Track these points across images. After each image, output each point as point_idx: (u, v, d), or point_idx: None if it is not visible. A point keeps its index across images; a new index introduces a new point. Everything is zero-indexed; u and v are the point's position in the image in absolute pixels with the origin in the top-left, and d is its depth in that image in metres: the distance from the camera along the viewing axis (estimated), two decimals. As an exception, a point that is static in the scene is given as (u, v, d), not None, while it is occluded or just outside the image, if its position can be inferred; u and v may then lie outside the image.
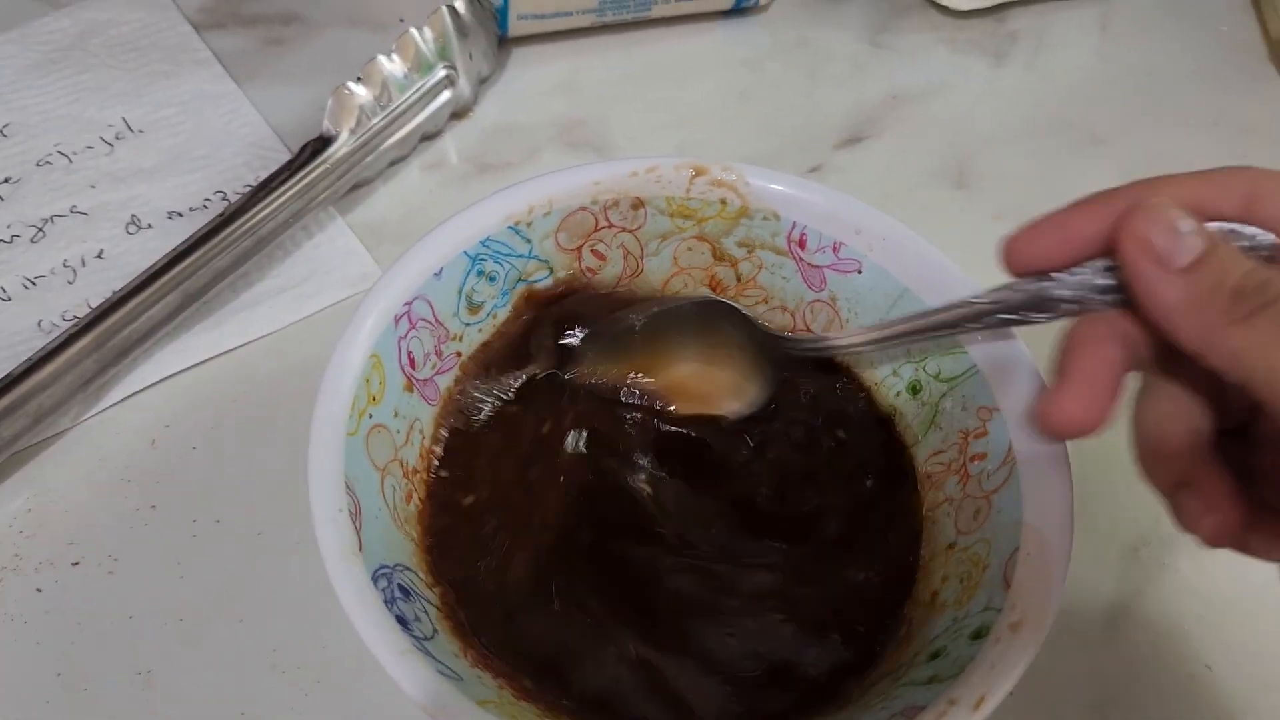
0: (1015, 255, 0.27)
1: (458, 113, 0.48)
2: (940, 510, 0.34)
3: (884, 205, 0.46)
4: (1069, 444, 0.30)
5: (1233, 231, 0.25)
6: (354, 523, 0.28)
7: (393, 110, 0.44)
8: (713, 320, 0.36)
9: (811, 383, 0.36)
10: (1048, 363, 0.29)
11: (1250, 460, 0.27)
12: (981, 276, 0.38)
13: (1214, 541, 0.26)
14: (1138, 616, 0.37)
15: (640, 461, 0.35)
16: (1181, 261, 0.24)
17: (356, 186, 0.45)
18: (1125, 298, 0.25)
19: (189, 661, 0.34)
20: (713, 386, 0.36)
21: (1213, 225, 0.25)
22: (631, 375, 0.36)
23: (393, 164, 0.46)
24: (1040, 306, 0.27)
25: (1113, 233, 0.25)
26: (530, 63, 0.52)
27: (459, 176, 0.47)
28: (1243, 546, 0.26)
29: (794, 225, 0.36)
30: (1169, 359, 0.25)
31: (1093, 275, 0.26)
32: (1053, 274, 0.27)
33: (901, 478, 0.35)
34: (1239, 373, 0.23)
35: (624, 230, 0.37)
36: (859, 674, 0.31)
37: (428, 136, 0.47)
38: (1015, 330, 0.33)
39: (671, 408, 0.36)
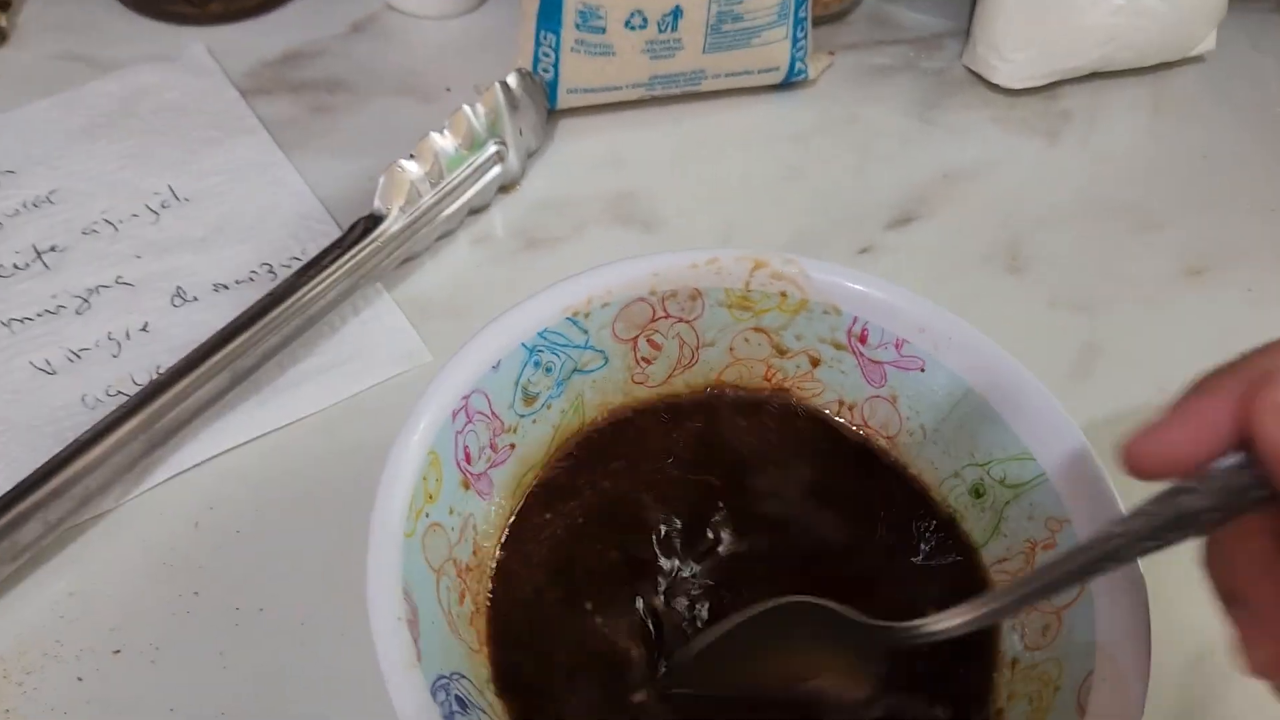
0: (1141, 463, 0.24)
1: (505, 186, 0.48)
2: (1006, 625, 0.33)
3: (935, 288, 0.46)
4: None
5: None
6: (412, 631, 0.28)
7: (444, 187, 0.44)
8: (799, 623, 0.30)
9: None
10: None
11: None
12: (1034, 364, 0.36)
13: (1258, 672, 0.23)
14: (1202, 730, 0.36)
15: None
16: None
17: (404, 262, 0.45)
18: (1272, 491, 0.22)
19: (231, 758, 0.33)
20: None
21: None
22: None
23: (440, 238, 0.46)
24: (1181, 524, 0.23)
25: (1242, 418, 0.22)
26: (578, 135, 0.51)
27: (507, 251, 0.47)
28: None
29: (855, 320, 0.36)
30: None
31: (1231, 473, 0.22)
32: (1187, 483, 0.23)
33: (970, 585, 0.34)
34: None
35: (681, 321, 0.36)
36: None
37: (475, 210, 0.47)
38: (1086, 438, 0.32)
39: None
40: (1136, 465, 0.24)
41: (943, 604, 0.33)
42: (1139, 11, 0.52)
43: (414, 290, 0.45)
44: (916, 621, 0.29)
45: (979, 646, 0.32)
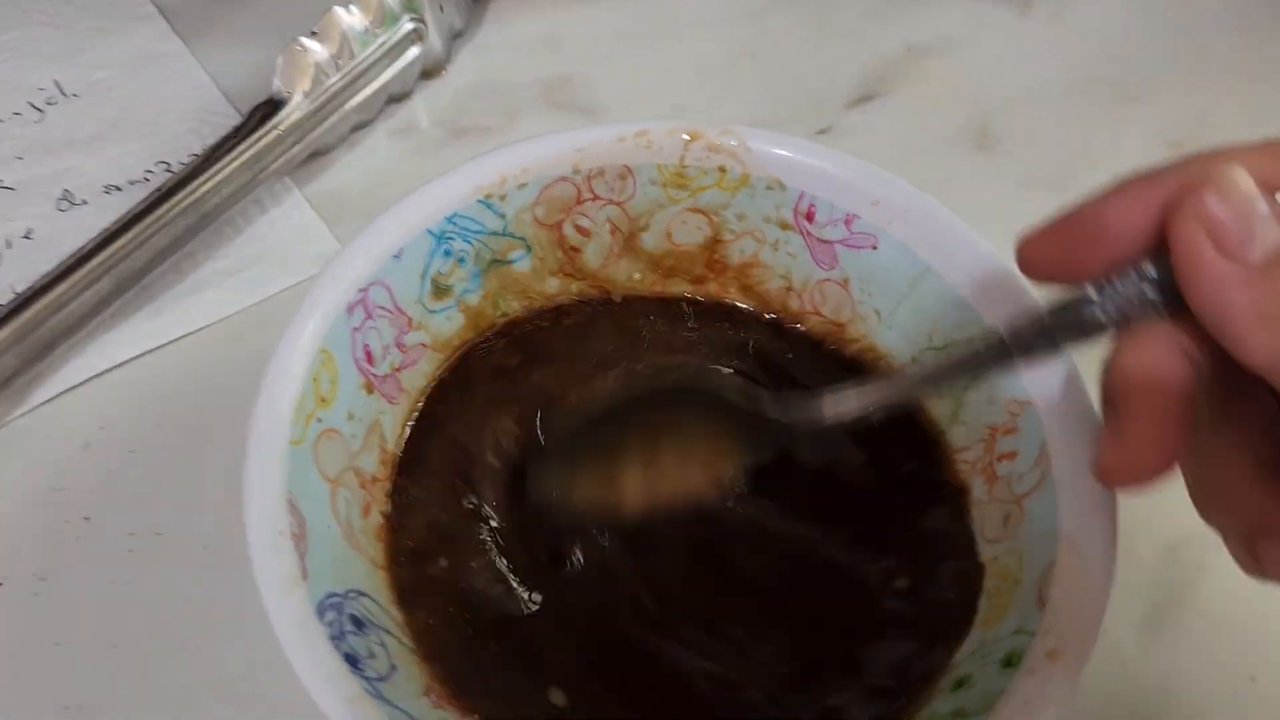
0: (1036, 262, 0.23)
1: (428, 71, 0.44)
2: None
3: (900, 170, 0.42)
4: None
5: None
6: (297, 547, 0.25)
7: (353, 69, 0.40)
8: (690, 393, 0.30)
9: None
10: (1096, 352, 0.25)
11: None
12: (1005, 247, 0.34)
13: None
14: (1175, 623, 0.33)
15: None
16: (1258, 255, 0.19)
17: (315, 155, 0.41)
18: (1180, 301, 0.20)
19: (125, 693, 0.30)
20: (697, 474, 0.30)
21: None
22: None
23: (356, 129, 0.42)
24: (1078, 331, 0.22)
25: (1163, 220, 0.20)
26: (510, 14, 0.47)
27: (431, 142, 0.43)
28: None
29: (801, 195, 0.32)
30: (1232, 376, 0.21)
31: (1140, 281, 0.21)
32: (1090, 283, 0.22)
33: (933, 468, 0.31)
34: None
35: (611, 203, 0.33)
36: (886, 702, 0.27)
37: (395, 98, 0.43)
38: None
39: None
40: (1034, 267, 0.23)
41: (908, 495, 0.31)
42: None
43: (327, 186, 0.41)
44: (812, 399, 0.27)
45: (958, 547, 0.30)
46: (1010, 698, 0.24)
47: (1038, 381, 0.28)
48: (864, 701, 0.27)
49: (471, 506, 0.29)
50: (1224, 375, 0.21)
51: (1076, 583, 0.25)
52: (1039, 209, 0.42)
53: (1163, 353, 0.21)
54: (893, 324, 0.32)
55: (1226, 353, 0.19)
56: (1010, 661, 0.25)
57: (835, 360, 0.33)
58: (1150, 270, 0.21)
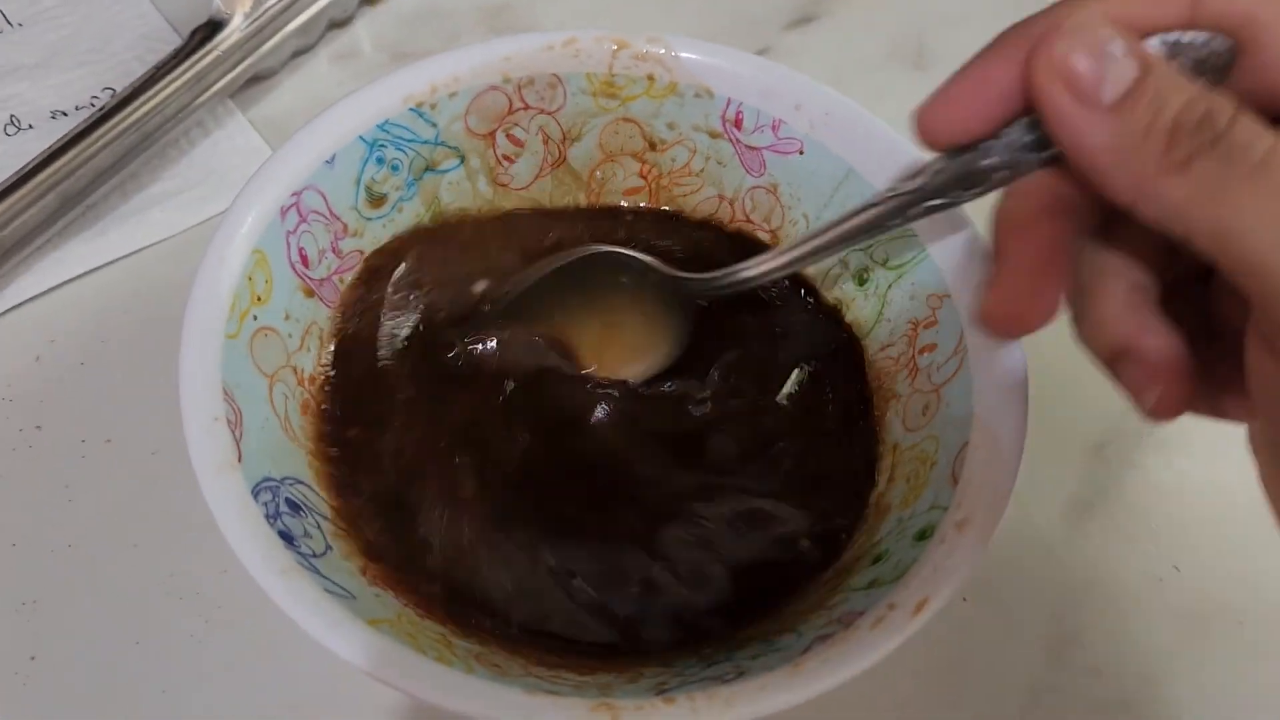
0: (932, 128, 0.23)
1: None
2: (888, 408, 0.31)
3: (838, 89, 0.43)
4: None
5: (1176, 44, 0.21)
6: (233, 432, 0.26)
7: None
8: (608, 275, 0.31)
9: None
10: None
11: (1212, 311, 0.23)
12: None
13: (1158, 415, 0.22)
14: (1102, 517, 0.35)
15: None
16: (1109, 95, 0.19)
17: (257, 79, 0.41)
18: (1057, 152, 0.21)
19: (79, 590, 0.31)
20: (622, 349, 0.32)
21: (1152, 40, 0.20)
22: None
23: (297, 54, 0.42)
24: (968, 182, 0.23)
25: (1024, 73, 0.21)
26: (450, -59, 0.47)
27: (372, 67, 0.43)
28: (1216, 411, 0.23)
29: (729, 102, 0.33)
30: (1109, 211, 0.22)
31: (1021, 131, 0.22)
32: (980, 143, 0.23)
33: (852, 372, 0.32)
34: (1179, 229, 0.19)
35: (542, 112, 0.34)
36: (797, 584, 0.28)
37: (336, 23, 0.43)
38: (966, 207, 0.30)
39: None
40: (931, 133, 0.23)
41: (833, 396, 0.32)
42: None
43: (270, 110, 0.41)
44: (721, 270, 0.30)
45: (861, 438, 0.31)
46: (922, 566, 0.25)
47: (955, 275, 0.29)
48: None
49: (405, 397, 0.30)
50: (1101, 211, 0.22)
51: (988, 459, 0.26)
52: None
53: (1037, 200, 0.22)
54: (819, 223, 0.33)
55: (1095, 188, 0.20)
56: (924, 535, 0.26)
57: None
58: (1030, 120, 0.22)
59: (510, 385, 0.31)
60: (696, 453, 0.30)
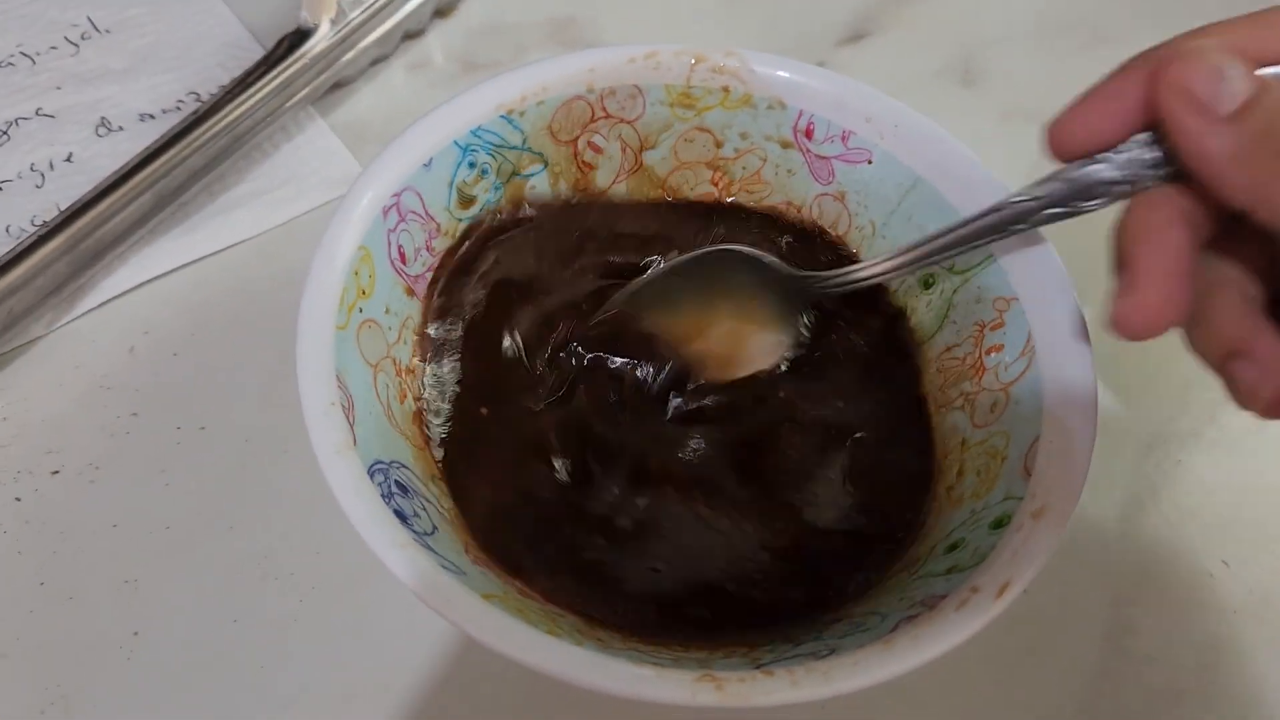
0: (1060, 140, 0.25)
1: (442, 10, 0.46)
2: (953, 407, 0.33)
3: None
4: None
5: None
6: (347, 417, 0.27)
7: (373, 4, 0.42)
8: (730, 270, 0.33)
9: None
10: (1079, 251, 0.27)
11: None
12: (992, 171, 0.37)
13: (1272, 413, 0.24)
14: (1154, 514, 0.36)
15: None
16: (1226, 107, 0.22)
17: (337, 86, 0.43)
18: (1177, 168, 0.23)
19: (177, 570, 0.32)
20: (739, 345, 0.34)
21: (1266, 71, 0.23)
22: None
23: (375, 63, 0.44)
24: (1089, 193, 0.25)
25: (1150, 92, 0.23)
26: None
27: (445, 77, 0.45)
28: None
29: (800, 114, 0.35)
30: (1227, 223, 0.24)
31: (1141, 149, 0.24)
32: (1100, 155, 0.25)
33: (911, 378, 0.34)
34: None
35: (622, 121, 0.35)
36: (876, 571, 0.30)
37: (410, 35, 0.45)
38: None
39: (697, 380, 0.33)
40: (1059, 145, 0.25)
41: (884, 397, 0.33)
42: None
43: (349, 116, 0.43)
44: (836, 271, 0.32)
45: (918, 433, 0.33)
46: (1001, 552, 0.26)
47: (1023, 280, 0.31)
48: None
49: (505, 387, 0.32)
50: (1220, 222, 0.24)
51: (1060, 451, 0.28)
52: (1018, 138, 0.45)
53: (1163, 211, 0.24)
54: (886, 234, 0.35)
55: (1218, 201, 0.23)
56: (999, 523, 0.27)
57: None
58: (1149, 138, 0.24)
59: (613, 382, 0.32)
60: (773, 446, 0.32)
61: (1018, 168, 0.43)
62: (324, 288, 0.29)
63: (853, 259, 0.36)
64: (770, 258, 0.33)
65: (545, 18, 0.47)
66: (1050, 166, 0.26)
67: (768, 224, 0.36)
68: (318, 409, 0.27)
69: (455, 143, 0.33)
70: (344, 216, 0.30)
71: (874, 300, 0.35)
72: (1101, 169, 0.25)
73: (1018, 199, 0.27)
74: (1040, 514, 0.27)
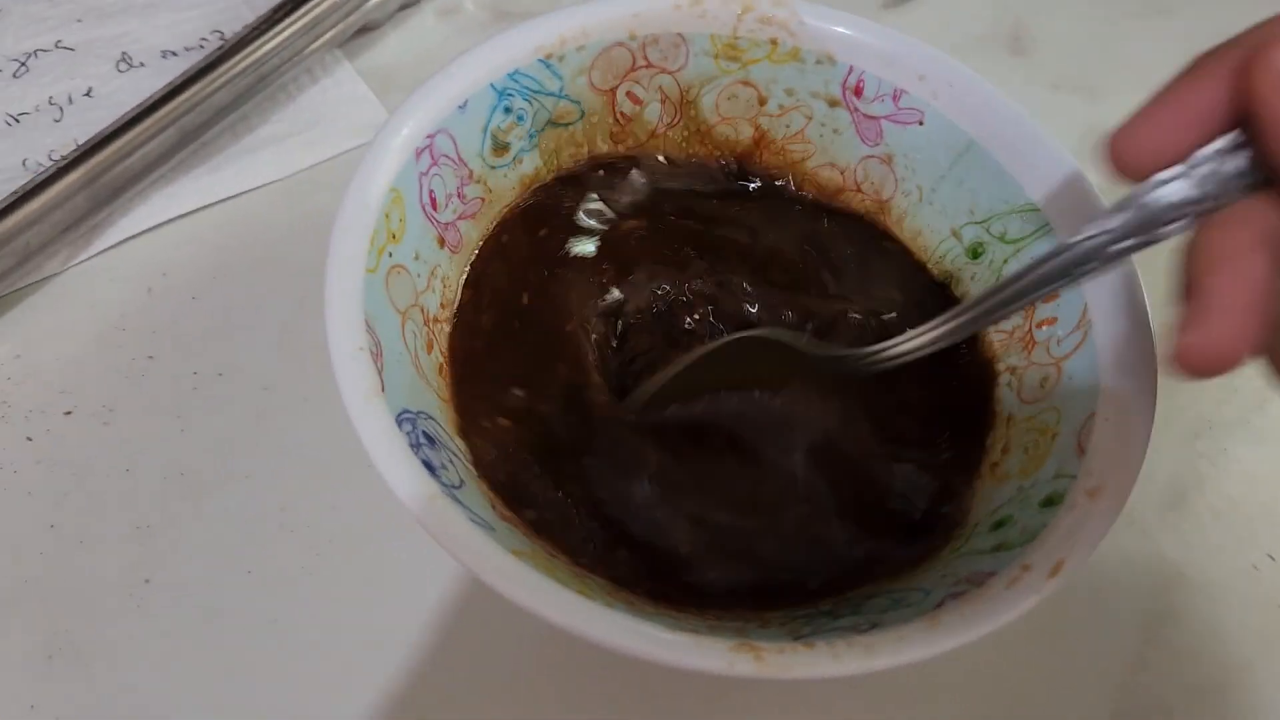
0: (1126, 156, 0.22)
1: (476, -45, 0.45)
2: (1000, 381, 0.31)
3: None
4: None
5: None
6: (375, 363, 0.26)
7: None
8: (760, 358, 0.30)
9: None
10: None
11: None
12: None
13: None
14: (1198, 504, 0.35)
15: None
16: None
17: (365, 30, 0.42)
18: (1265, 175, 0.20)
19: (192, 517, 0.31)
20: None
21: None
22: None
23: (404, 7, 0.43)
24: (1165, 218, 0.22)
25: (1239, 91, 0.20)
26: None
27: (475, 24, 0.44)
28: None
29: (851, 70, 0.33)
30: None
31: (1221, 159, 0.21)
32: (1172, 171, 0.21)
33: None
34: None
35: (663, 71, 0.34)
36: (918, 546, 0.29)
37: (443, -21, 0.44)
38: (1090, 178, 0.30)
39: None
40: (1125, 161, 0.22)
41: (930, 374, 0.32)
42: None
43: (377, 61, 0.42)
44: (879, 345, 0.28)
45: (972, 410, 0.31)
46: (1054, 530, 0.25)
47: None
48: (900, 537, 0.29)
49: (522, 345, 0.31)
50: None
51: (1118, 429, 0.27)
52: (1068, 110, 0.43)
53: (1244, 233, 0.21)
54: (934, 199, 0.33)
55: None
56: (1051, 501, 0.26)
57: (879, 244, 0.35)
58: (1230, 143, 0.21)
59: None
60: (816, 418, 0.31)
61: (1066, 142, 0.42)
62: (355, 228, 0.27)
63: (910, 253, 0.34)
64: (804, 342, 0.30)
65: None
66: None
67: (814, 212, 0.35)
68: (346, 353, 0.26)
69: (491, 85, 0.31)
70: (376, 155, 0.29)
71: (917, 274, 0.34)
72: (1177, 187, 0.21)
73: (1083, 237, 0.23)
74: (1096, 493, 0.26)
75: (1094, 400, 0.27)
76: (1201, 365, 0.21)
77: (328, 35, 0.39)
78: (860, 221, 0.35)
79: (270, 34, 0.38)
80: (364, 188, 0.28)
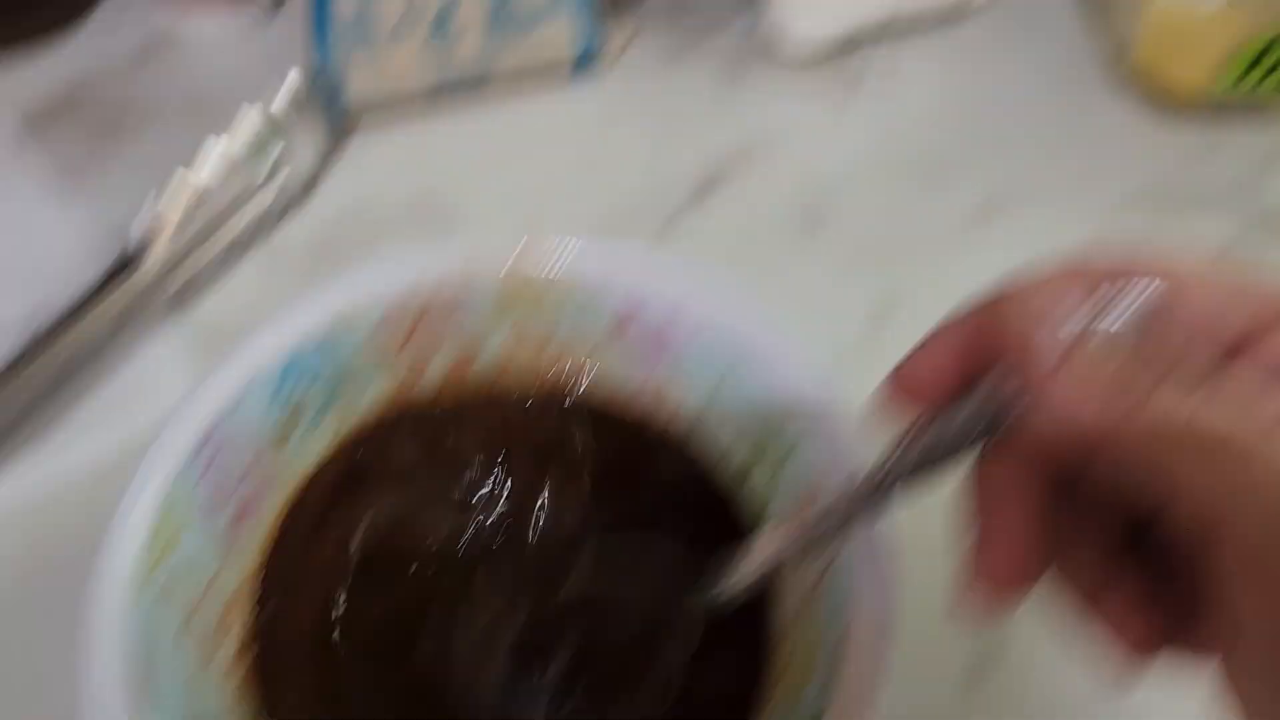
0: (904, 390, 0.24)
1: (297, 196, 0.47)
2: (776, 601, 0.32)
3: (736, 260, 0.46)
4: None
5: (1111, 304, 0.22)
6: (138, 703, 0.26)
7: (223, 199, 0.43)
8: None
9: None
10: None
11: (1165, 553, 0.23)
12: (833, 323, 0.38)
13: (1133, 660, 0.23)
14: (992, 681, 0.35)
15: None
16: (1064, 347, 0.21)
17: (189, 286, 0.43)
18: (1025, 412, 0.22)
19: None
20: None
21: (1088, 305, 0.22)
22: None
23: (228, 257, 0.45)
24: (947, 450, 0.24)
25: (991, 341, 0.23)
26: (373, 140, 0.50)
27: (303, 267, 0.46)
28: (1187, 647, 0.23)
29: (623, 299, 0.35)
30: (1078, 478, 0.23)
31: (986, 398, 0.23)
32: (948, 406, 0.23)
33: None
34: (1141, 466, 0.20)
35: (451, 318, 0.35)
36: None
37: (265, 224, 0.46)
38: (840, 400, 0.32)
39: None
40: (903, 395, 0.24)
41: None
42: (924, -35, 0.52)
43: (202, 316, 0.43)
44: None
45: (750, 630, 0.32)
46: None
47: (835, 462, 0.31)
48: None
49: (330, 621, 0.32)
50: (1072, 465, 0.23)
51: (865, 648, 0.28)
52: (866, 286, 0.45)
53: (1012, 462, 0.23)
54: (711, 416, 0.35)
55: (1066, 444, 0.22)
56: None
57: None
58: (996, 382, 0.23)
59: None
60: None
61: (862, 313, 0.44)
62: (121, 549, 0.28)
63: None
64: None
65: (403, 197, 0.48)
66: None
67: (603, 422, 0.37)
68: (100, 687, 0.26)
69: (276, 361, 0.33)
70: (147, 466, 0.30)
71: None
72: (953, 421, 0.23)
73: (867, 477, 0.25)
74: (844, 714, 0.27)
75: (845, 621, 0.29)
76: (992, 594, 0.23)
77: (145, 306, 0.41)
78: (646, 435, 0.37)
79: (86, 312, 0.39)
80: (130, 512, 0.29)
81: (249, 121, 0.45)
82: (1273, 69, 0.49)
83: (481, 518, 0.35)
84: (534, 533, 0.35)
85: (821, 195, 0.49)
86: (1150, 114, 0.51)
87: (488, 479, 0.35)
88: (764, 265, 0.46)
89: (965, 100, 0.53)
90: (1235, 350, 0.22)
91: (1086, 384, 0.21)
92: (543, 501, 0.35)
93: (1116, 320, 0.22)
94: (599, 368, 0.36)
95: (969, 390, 0.23)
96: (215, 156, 0.44)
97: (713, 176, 0.49)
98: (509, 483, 0.35)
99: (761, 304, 0.34)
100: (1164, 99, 0.51)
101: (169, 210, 0.42)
